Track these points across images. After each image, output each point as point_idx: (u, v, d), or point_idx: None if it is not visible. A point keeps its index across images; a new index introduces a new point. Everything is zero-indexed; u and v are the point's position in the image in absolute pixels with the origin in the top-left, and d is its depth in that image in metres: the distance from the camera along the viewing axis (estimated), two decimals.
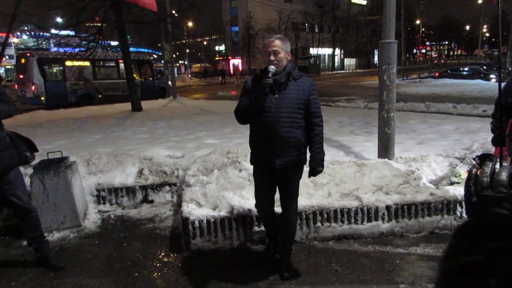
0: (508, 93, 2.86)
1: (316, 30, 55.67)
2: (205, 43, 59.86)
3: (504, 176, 0.61)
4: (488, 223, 0.59)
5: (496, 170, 0.65)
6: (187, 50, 57.11)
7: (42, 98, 16.58)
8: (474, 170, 0.67)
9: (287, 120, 2.88)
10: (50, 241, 3.75)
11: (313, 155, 3.01)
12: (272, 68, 2.83)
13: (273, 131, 2.88)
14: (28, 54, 17.12)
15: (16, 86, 18.67)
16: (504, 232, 0.55)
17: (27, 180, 3.90)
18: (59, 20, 20.69)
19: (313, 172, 3.05)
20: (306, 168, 3.13)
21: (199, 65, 55.89)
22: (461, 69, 26.48)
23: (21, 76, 17.36)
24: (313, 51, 54.56)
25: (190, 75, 47.14)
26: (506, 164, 3.45)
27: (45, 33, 19.38)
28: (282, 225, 3.22)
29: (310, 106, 2.95)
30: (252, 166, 3.23)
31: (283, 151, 2.91)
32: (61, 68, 17.73)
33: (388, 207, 3.83)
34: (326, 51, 58.39)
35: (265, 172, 3.06)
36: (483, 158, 0.69)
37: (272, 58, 2.86)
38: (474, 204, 0.64)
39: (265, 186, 3.15)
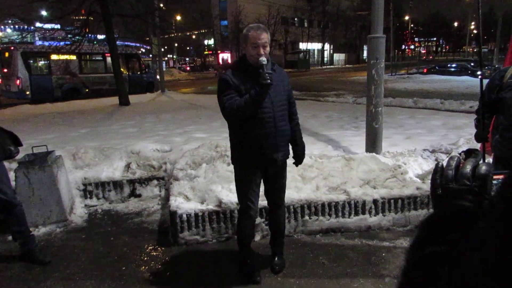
0: (491, 89, 2.88)
1: (306, 25, 55.63)
2: (193, 37, 59.39)
3: (468, 169, 0.63)
4: (451, 215, 0.60)
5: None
6: (176, 44, 56.72)
7: (27, 93, 16.27)
8: (440, 163, 0.69)
9: (282, 114, 2.85)
10: (36, 235, 3.70)
11: (298, 143, 3.06)
12: (264, 60, 2.65)
13: (274, 126, 2.79)
14: (12, 48, 16.76)
15: (0, 80, 18.32)
16: (465, 224, 0.56)
17: (11, 175, 3.84)
18: (44, 13, 20.32)
19: (300, 160, 3.12)
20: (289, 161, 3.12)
21: (199, 60, 56.47)
22: (449, 65, 26.70)
23: (5, 70, 17.02)
24: (302, 46, 54.53)
25: (180, 68, 47.48)
26: (490, 159, 3.51)
27: (29, 27, 19.02)
28: (273, 222, 3.21)
29: (290, 96, 2.97)
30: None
31: (282, 145, 2.90)
32: (47, 61, 17.39)
33: (375, 201, 3.87)
34: (315, 46, 58.37)
35: (259, 170, 2.94)
36: (469, 153, 0.70)
37: (262, 52, 2.67)
38: (439, 197, 0.65)
39: (258, 184, 3.00)
